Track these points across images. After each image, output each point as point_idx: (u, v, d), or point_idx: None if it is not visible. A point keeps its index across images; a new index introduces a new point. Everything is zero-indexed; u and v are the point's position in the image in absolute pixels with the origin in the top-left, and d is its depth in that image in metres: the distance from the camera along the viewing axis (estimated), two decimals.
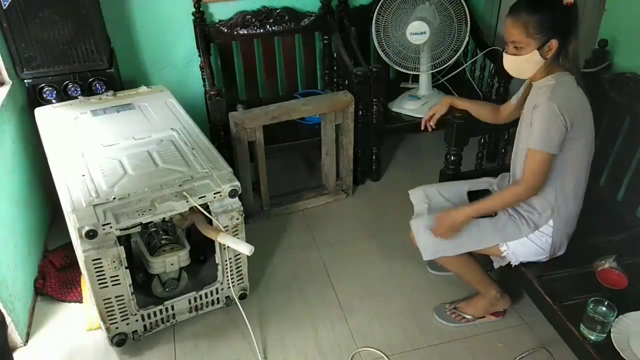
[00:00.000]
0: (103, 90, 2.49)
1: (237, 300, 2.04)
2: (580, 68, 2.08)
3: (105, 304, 1.81)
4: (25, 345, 2.01)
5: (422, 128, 2.15)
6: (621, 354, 1.43)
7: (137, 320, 1.92)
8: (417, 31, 2.63)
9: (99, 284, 1.76)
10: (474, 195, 1.94)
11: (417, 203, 2.03)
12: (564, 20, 1.59)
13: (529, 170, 1.66)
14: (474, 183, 2.05)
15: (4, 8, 2.23)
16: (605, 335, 1.49)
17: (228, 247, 1.90)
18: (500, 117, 2.03)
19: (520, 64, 1.66)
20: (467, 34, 2.75)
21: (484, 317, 2.04)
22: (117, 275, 1.77)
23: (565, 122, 1.59)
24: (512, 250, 1.79)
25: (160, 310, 1.96)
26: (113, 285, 1.78)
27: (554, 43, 1.60)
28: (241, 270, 2.07)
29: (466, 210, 1.78)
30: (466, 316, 2.04)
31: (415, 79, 2.97)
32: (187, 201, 1.77)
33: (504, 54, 1.69)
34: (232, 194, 1.84)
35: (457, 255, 1.85)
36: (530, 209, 1.79)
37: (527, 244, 1.78)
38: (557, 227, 1.75)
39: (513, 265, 1.81)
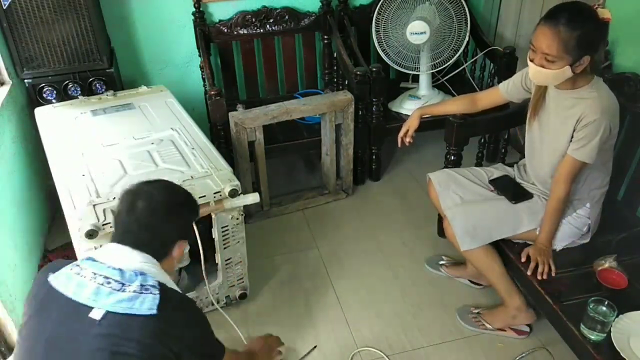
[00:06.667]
0: (103, 90, 2.50)
1: (237, 300, 2.04)
2: None
3: None
4: None
5: (400, 145, 2.12)
6: (621, 353, 1.43)
7: None
8: (417, 31, 2.63)
9: None
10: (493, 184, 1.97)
11: (440, 183, 1.98)
12: (599, 35, 1.57)
13: (567, 174, 1.69)
14: (490, 171, 2.05)
15: (4, 8, 2.23)
16: (605, 335, 1.50)
17: (235, 228, 1.91)
18: (479, 105, 2.02)
19: (549, 76, 1.61)
20: (467, 33, 2.75)
21: (504, 330, 1.97)
22: None
23: (610, 133, 1.62)
24: None
25: None
26: None
27: (586, 59, 1.56)
28: (241, 270, 2.07)
29: (543, 238, 1.77)
30: (487, 325, 1.98)
31: (415, 78, 2.98)
32: None
33: (531, 63, 1.62)
34: (232, 193, 1.84)
35: (487, 249, 1.83)
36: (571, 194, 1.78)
37: (564, 226, 1.79)
38: (593, 207, 1.80)
39: (557, 250, 1.81)
